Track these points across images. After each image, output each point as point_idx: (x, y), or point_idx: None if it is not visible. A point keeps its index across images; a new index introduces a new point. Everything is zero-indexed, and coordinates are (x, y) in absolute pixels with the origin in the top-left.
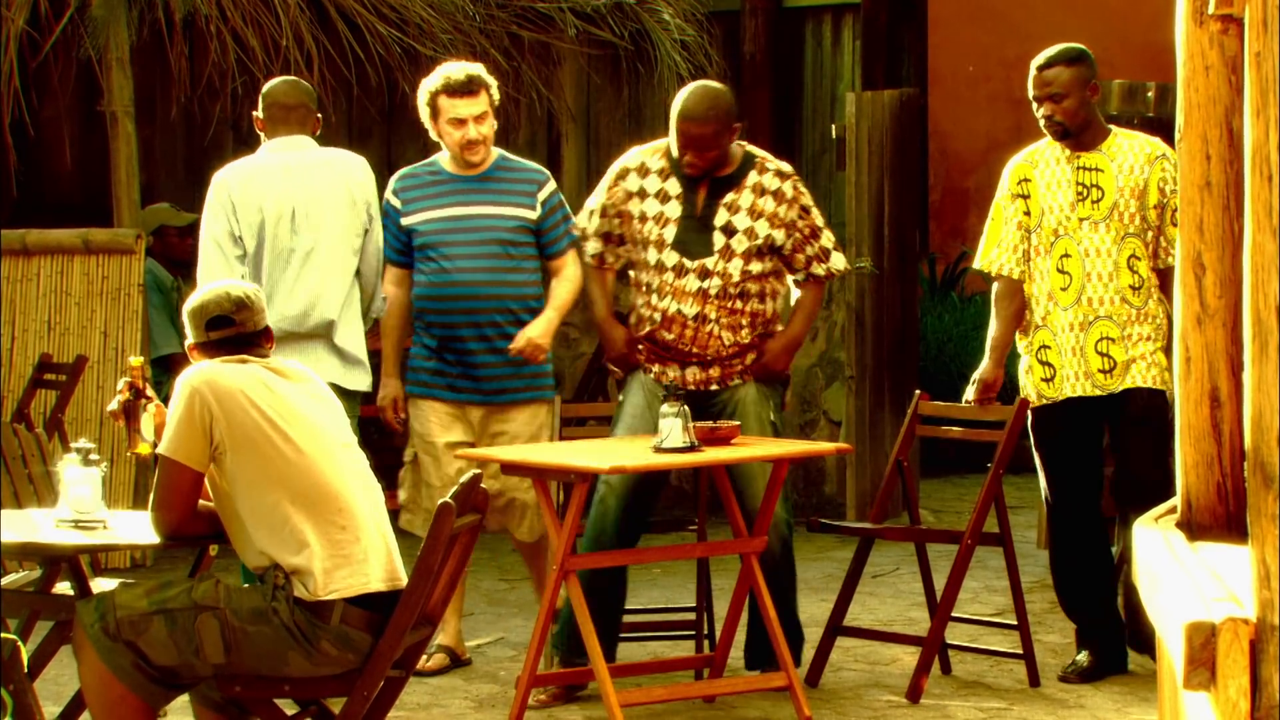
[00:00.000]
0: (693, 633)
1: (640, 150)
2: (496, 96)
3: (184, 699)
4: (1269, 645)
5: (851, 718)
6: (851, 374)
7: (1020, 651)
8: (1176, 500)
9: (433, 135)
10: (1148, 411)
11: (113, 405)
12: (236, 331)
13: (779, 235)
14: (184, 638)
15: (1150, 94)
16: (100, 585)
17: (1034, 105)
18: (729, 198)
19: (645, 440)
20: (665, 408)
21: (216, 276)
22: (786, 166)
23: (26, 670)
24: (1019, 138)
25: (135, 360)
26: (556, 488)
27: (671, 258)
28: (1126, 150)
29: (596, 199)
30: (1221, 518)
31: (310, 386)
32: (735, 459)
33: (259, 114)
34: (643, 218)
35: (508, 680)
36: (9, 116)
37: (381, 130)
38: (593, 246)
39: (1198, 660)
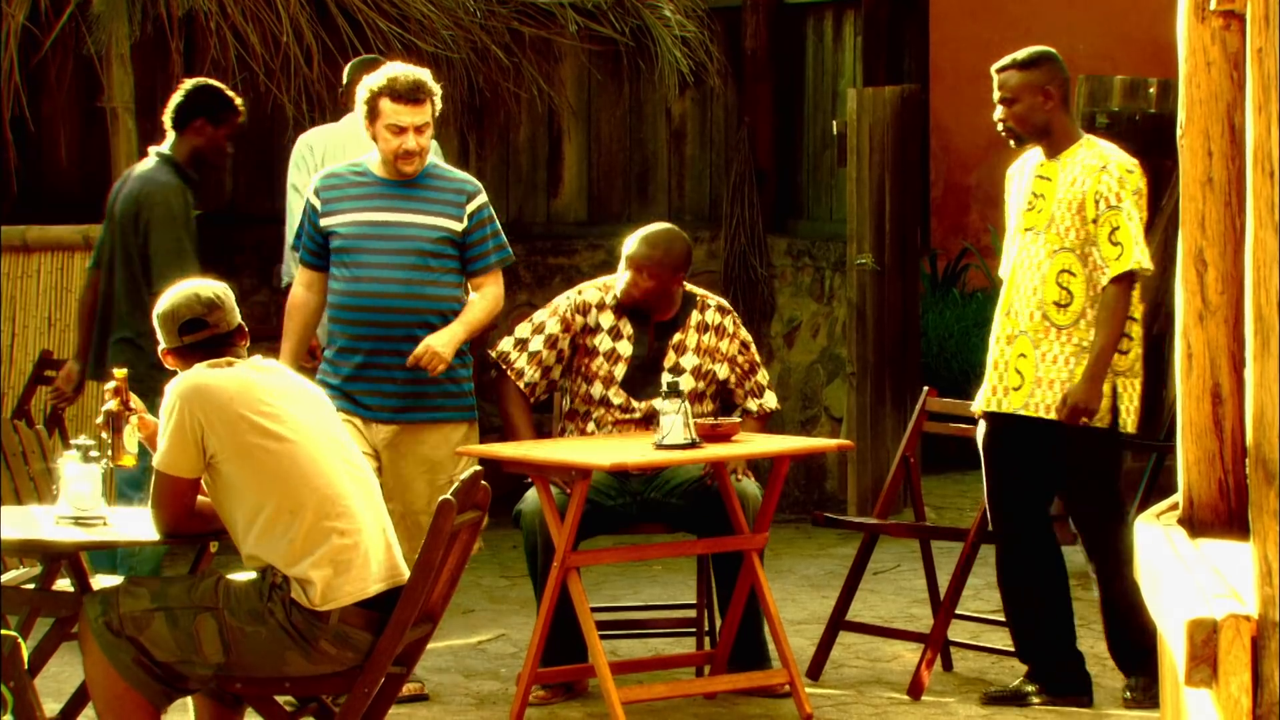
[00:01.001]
0: (694, 630)
1: (596, 288)
2: (439, 106)
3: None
4: (1270, 642)
5: (853, 714)
6: (853, 370)
7: None
8: (1178, 497)
9: (365, 135)
10: (1084, 442)
11: (100, 418)
12: (210, 334)
13: (722, 370)
14: (184, 636)
15: (1152, 90)
16: (100, 582)
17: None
18: (675, 338)
19: (646, 437)
20: (666, 404)
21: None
22: (725, 302)
23: (27, 667)
24: None
25: (119, 372)
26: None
27: (618, 396)
28: (1077, 161)
29: (533, 326)
30: (1223, 514)
31: (293, 382)
32: (736, 455)
33: (342, 89)
34: (594, 352)
35: (509, 678)
36: (9, 113)
37: None
38: (529, 375)
39: (1199, 657)
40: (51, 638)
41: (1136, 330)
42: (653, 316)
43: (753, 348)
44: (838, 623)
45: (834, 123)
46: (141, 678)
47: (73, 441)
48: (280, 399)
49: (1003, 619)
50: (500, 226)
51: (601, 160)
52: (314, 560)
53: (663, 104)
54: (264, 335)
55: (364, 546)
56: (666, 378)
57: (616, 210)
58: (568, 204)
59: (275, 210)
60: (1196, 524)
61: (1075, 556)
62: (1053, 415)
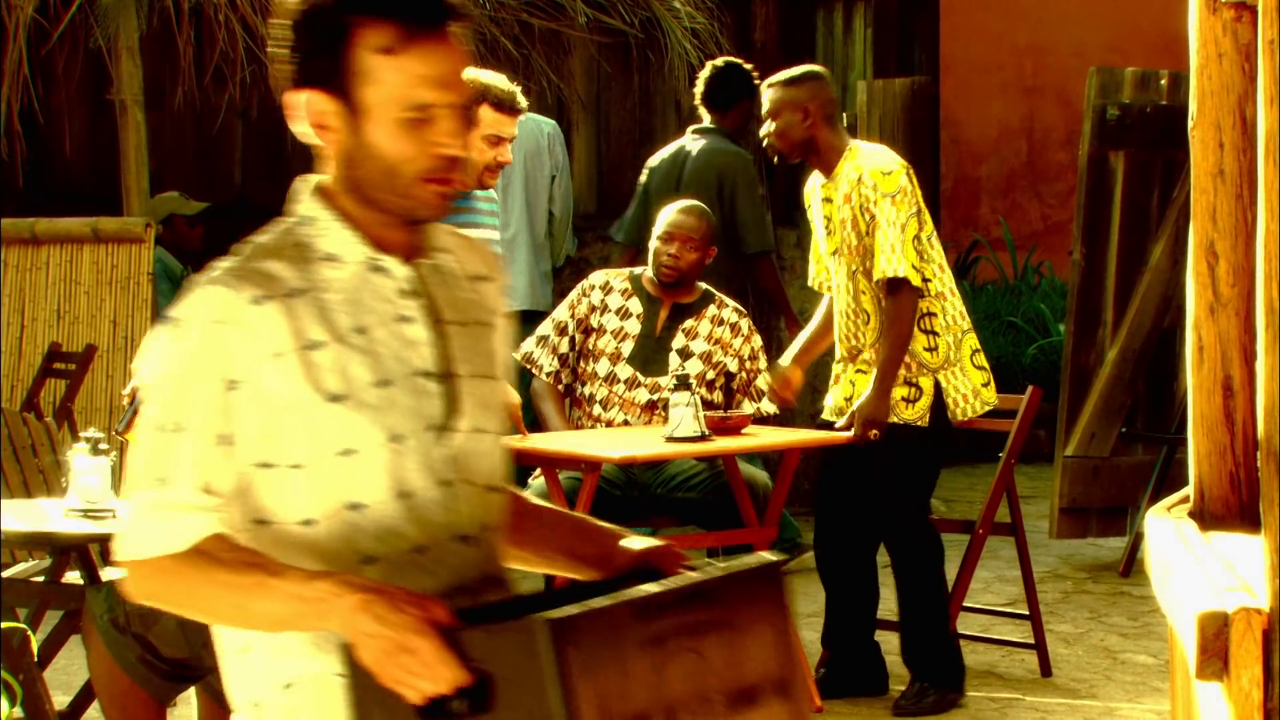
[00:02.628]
0: None
1: (605, 272)
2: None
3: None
4: None
5: (863, 707)
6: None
7: (1032, 641)
8: (1189, 490)
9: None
10: (901, 443)
11: (129, 386)
12: None
13: (733, 364)
14: (193, 631)
15: (1163, 82)
16: (110, 574)
17: None
18: (688, 324)
19: (655, 429)
20: (675, 397)
21: None
22: (741, 307)
23: (36, 659)
24: (1031, 126)
25: None
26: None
27: (625, 371)
28: (843, 177)
29: (552, 322)
30: (1234, 507)
31: None
32: (746, 448)
33: None
34: (601, 330)
35: None
36: (18, 105)
37: None
38: (547, 365)
39: (1210, 650)
40: (61, 630)
41: (939, 323)
42: (672, 297)
43: (762, 358)
44: None
45: (844, 115)
46: (146, 675)
47: (82, 434)
48: None
49: (1014, 610)
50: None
51: (611, 152)
52: None
53: (672, 96)
54: None
55: None
56: (675, 360)
57: (626, 202)
58: (577, 196)
59: (283, 203)
60: (1207, 517)
61: (1088, 549)
62: (833, 416)
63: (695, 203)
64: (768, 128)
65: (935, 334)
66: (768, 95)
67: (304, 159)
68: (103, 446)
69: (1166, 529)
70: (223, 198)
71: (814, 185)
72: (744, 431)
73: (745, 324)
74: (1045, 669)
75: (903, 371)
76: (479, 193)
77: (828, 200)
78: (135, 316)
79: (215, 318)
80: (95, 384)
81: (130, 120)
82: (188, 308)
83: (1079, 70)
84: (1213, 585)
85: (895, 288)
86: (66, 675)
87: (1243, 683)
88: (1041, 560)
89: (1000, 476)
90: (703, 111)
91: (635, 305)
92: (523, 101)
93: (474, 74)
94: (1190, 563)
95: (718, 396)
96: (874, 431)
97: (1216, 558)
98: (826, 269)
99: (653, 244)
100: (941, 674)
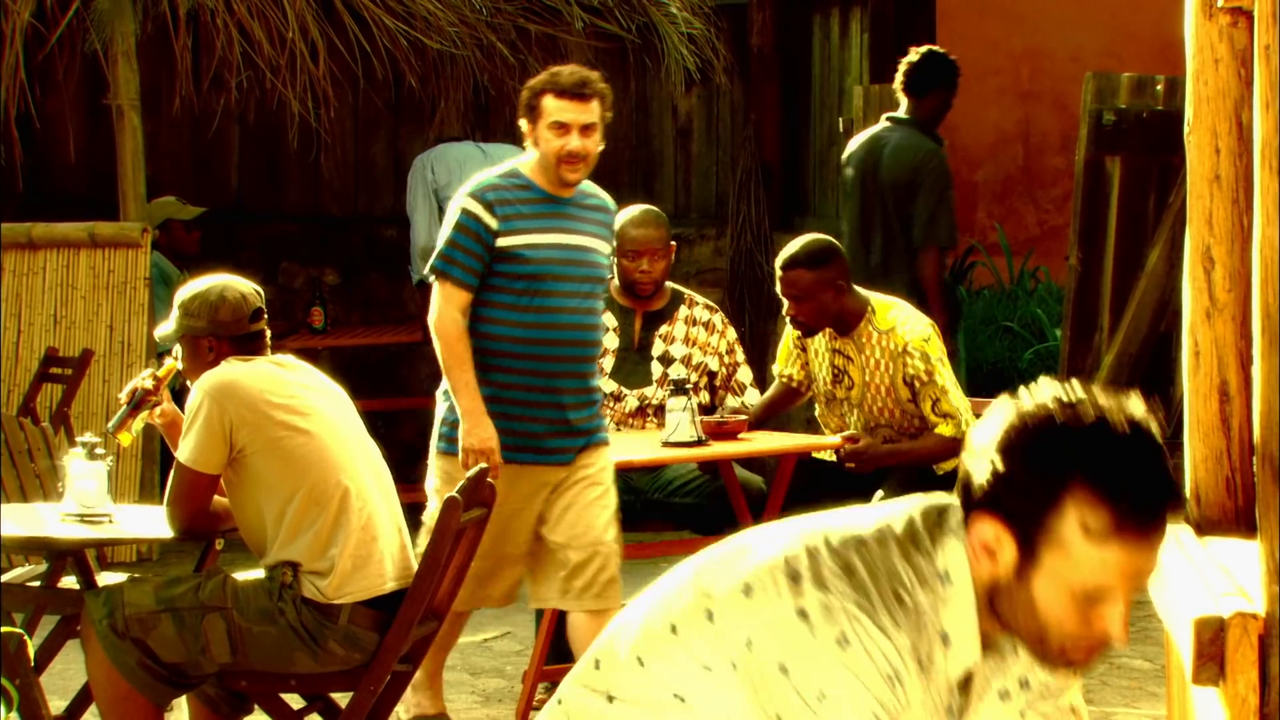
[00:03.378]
0: None
1: None
2: (609, 112)
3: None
4: (1278, 640)
5: None
6: None
7: None
8: (1185, 495)
9: (526, 143)
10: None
11: (126, 389)
12: (265, 324)
13: (713, 362)
14: (191, 637)
15: (1159, 87)
16: (106, 579)
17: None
18: (663, 329)
19: (652, 434)
20: (672, 401)
21: None
22: (711, 303)
23: (33, 664)
24: (1027, 131)
25: (171, 363)
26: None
27: (609, 385)
28: (873, 343)
29: None
30: (1230, 512)
31: (316, 378)
32: (742, 453)
33: None
34: None
35: (514, 675)
36: (15, 110)
37: (388, 123)
38: None
39: (1206, 655)
40: (57, 635)
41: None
42: (644, 305)
43: (739, 350)
44: None
45: (840, 120)
46: (145, 679)
47: (78, 439)
48: (305, 392)
49: None
50: None
51: (607, 157)
52: (335, 552)
53: (669, 101)
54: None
55: (381, 542)
56: (657, 368)
57: (622, 208)
58: None
59: (280, 207)
60: (1204, 522)
61: None
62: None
63: (645, 209)
64: (792, 308)
65: None
66: (791, 277)
67: (300, 164)
68: (99, 451)
69: None
70: (219, 202)
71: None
72: (740, 436)
73: (719, 319)
74: None
75: None
76: (586, 189)
77: (843, 354)
78: (132, 321)
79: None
80: (92, 389)
81: (127, 125)
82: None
83: (1075, 75)
84: (1209, 590)
85: (956, 442)
86: (63, 680)
87: (1239, 687)
88: None
89: None
90: (901, 98)
91: (609, 319)
92: (592, 85)
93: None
94: (1186, 568)
95: (704, 397)
96: (851, 464)
97: (1213, 563)
98: (797, 368)
99: (618, 261)
100: None
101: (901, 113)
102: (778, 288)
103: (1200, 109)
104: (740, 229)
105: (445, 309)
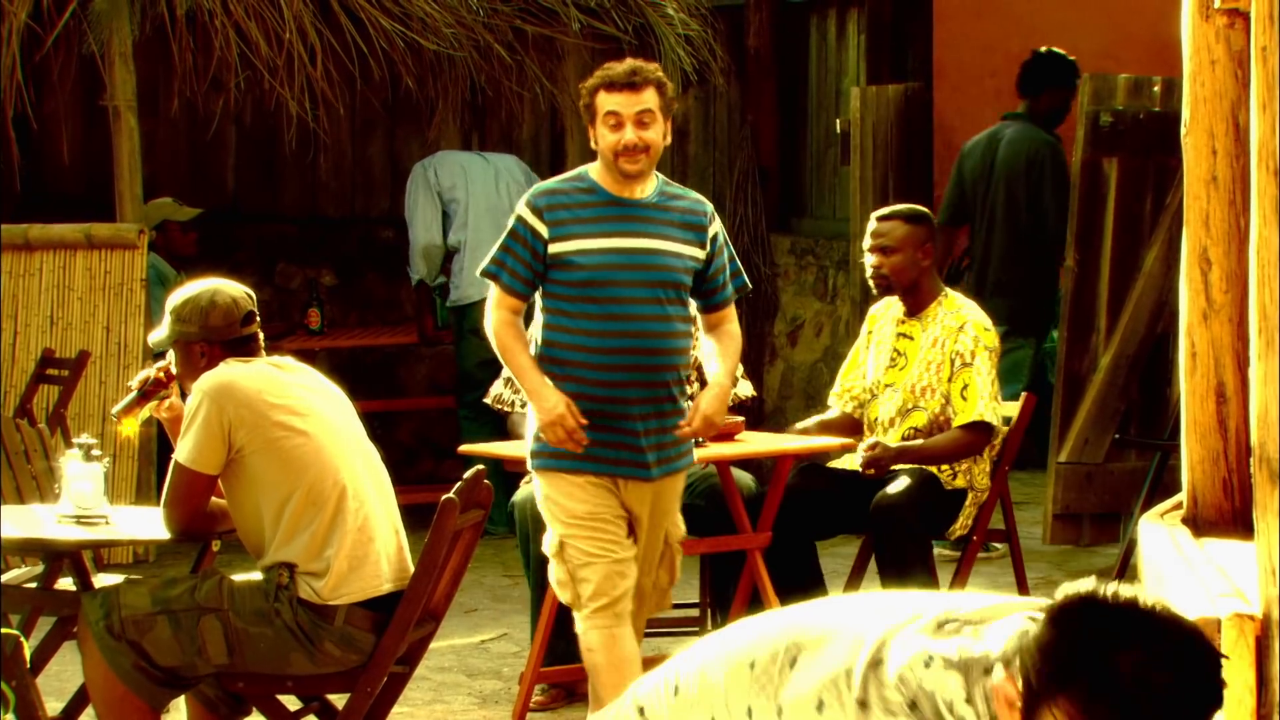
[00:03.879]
0: (698, 629)
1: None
2: (672, 101)
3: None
4: (1274, 641)
5: None
6: None
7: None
8: (1182, 496)
9: (591, 143)
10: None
11: (138, 377)
12: (258, 327)
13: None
14: (187, 639)
15: (1156, 88)
16: (103, 581)
17: (865, 255)
18: None
19: None
20: None
21: None
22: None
23: (29, 666)
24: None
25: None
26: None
27: None
28: (938, 321)
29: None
30: (1227, 513)
31: (314, 378)
32: (740, 455)
33: None
34: None
35: (511, 677)
36: (11, 111)
37: (385, 124)
38: (519, 398)
39: None
40: (54, 637)
41: (980, 474)
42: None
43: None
44: None
45: (837, 121)
46: (141, 681)
47: (74, 440)
48: (304, 392)
49: None
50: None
51: None
52: (331, 553)
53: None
54: (269, 335)
55: (378, 543)
56: None
57: None
58: None
59: (277, 208)
60: (1201, 523)
61: (1081, 556)
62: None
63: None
64: (878, 259)
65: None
66: (885, 228)
67: (297, 165)
68: (95, 453)
69: (1160, 535)
70: (216, 203)
71: (888, 316)
72: (737, 438)
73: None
74: None
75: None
76: (671, 190)
77: (905, 337)
78: (128, 323)
79: None
80: (88, 390)
81: (124, 126)
82: None
83: None
84: (1206, 591)
85: (979, 429)
86: (59, 682)
87: (1236, 688)
88: (1035, 567)
89: (995, 484)
90: (1020, 100)
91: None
92: (643, 72)
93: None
94: (1183, 569)
95: (695, 388)
96: (870, 470)
97: (1210, 564)
98: (851, 391)
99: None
100: None
101: (1018, 109)
102: (865, 243)
103: (1197, 110)
104: (737, 229)
105: (495, 311)
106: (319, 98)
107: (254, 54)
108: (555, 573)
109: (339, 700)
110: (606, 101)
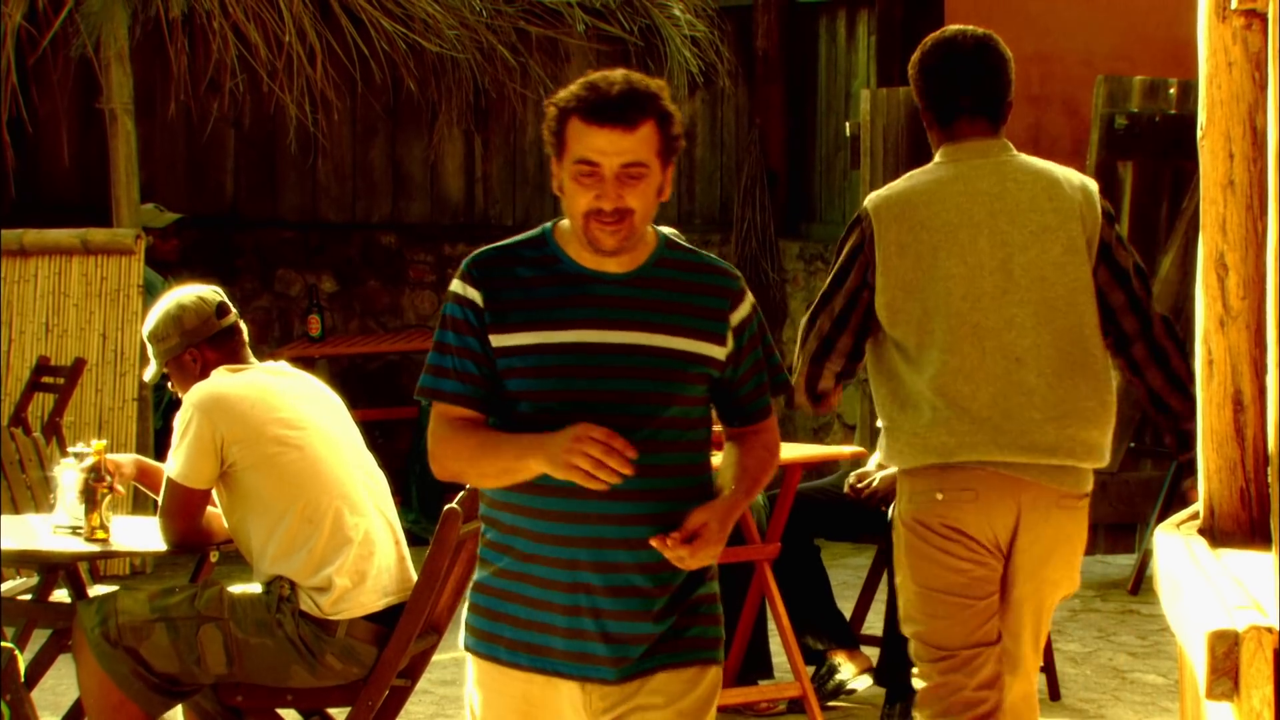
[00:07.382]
0: None
1: None
2: (678, 141)
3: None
4: None
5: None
6: (864, 376)
7: (1040, 662)
8: (1199, 506)
9: (554, 187)
10: None
11: (72, 493)
12: (237, 319)
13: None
14: (186, 647)
15: (1172, 91)
16: (98, 592)
17: None
18: None
19: None
20: None
21: None
22: None
23: (24, 679)
24: (1038, 135)
25: (99, 444)
26: None
27: None
28: None
29: None
30: (1245, 524)
31: (308, 386)
32: None
33: None
34: None
35: None
36: (7, 114)
37: (386, 127)
38: None
39: (1220, 669)
40: (49, 649)
41: None
42: None
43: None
44: (854, 634)
45: (847, 124)
46: (138, 688)
47: (70, 449)
48: (299, 402)
49: None
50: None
51: None
52: (332, 571)
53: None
54: (268, 342)
55: (378, 557)
56: None
57: None
58: None
59: (276, 213)
60: (1217, 533)
61: (1096, 567)
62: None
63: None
64: None
65: None
66: None
67: (297, 169)
68: (90, 461)
69: (1176, 546)
70: (215, 208)
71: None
72: None
73: None
74: (1054, 692)
75: None
76: (675, 255)
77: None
78: (125, 329)
79: None
80: (84, 398)
81: (120, 130)
82: None
83: (1086, 79)
84: (1223, 603)
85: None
86: (55, 696)
87: (1253, 703)
88: None
89: None
90: None
91: None
92: (641, 99)
93: None
94: (1200, 580)
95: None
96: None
97: (1227, 575)
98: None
99: None
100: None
101: None
102: None
103: (1214, 113)
104: (745, 234)
105: (436, 429)
106: (319, 100)
107: (253, 56)
108: None
109: (339, 714)
110: (582, 137)
